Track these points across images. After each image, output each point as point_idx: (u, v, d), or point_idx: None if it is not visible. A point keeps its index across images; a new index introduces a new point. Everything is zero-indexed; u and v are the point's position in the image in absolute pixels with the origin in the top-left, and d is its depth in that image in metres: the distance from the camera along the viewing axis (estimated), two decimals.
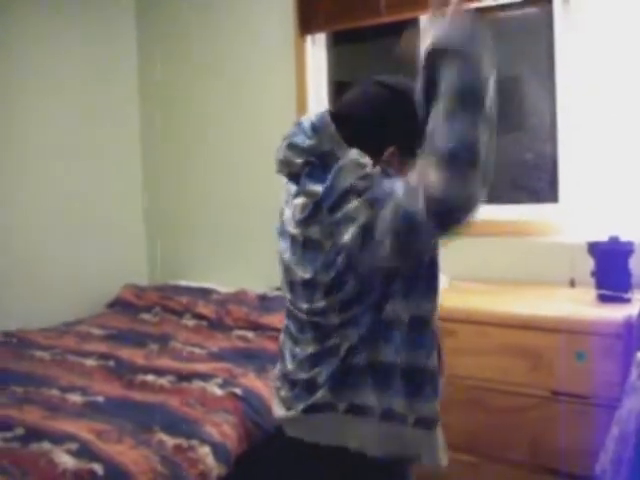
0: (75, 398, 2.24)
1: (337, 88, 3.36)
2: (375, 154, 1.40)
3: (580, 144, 2.62)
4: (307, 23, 3.22)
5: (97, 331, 3.12)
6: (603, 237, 2.32)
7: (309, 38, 3.28)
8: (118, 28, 3.87)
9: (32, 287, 3.39)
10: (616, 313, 2.06)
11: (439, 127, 1.19)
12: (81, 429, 1.94)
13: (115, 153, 3.87)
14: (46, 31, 3.48)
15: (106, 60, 3.78)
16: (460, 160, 1.16)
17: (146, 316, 3.33)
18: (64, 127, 3.57)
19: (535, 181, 2.97)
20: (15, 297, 3.31)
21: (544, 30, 2.76)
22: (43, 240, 3.47)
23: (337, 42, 3.38)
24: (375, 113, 1.45)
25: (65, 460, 1.76)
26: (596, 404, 2.03)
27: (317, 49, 3.33)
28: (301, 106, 3.29)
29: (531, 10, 2.81)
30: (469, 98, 1.18)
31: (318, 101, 3.33)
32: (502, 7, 2.79)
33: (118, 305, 3.56)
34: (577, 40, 2.58)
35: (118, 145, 3.89)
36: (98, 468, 1.76)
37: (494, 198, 2.93)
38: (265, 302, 3.15)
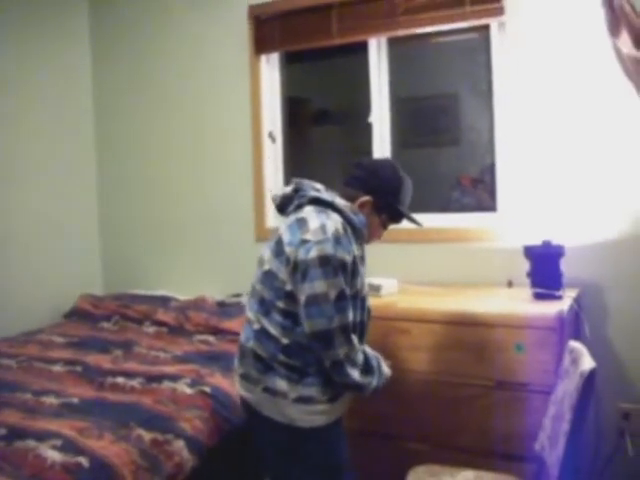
0: (50, 400, 2.31)
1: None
2: (353, 197, 1.93)
3: (516, 157, 2.85)
4: (262, 43, 3.37)
5: (59, 339, 3.15)
6: (537, 241, 2.55)
7: (263, 57, 3.44)
8: (73, 47, 3.90)
9: None
10: (550, 309, 2.28)
11: None
12: (62, 427, 2.03)
13: (70, 163, 3.87)
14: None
15: (63, 77, 3.81)
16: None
17: (106, 324, 3.37)
18: (19, 137, 3.58)
19: (477, 192, 3.21)
20: None
21: (483, 53, 3.01)
22: None
23: (290, 61, 3.54)
24: (376, 167, 2.01)
25: (52, 454, 1.86)
26: (534, 390, 2.24)
27: (271, 68, 3.48)
28: (256, 121, 3.44)
29: (470, 35, 3.07)
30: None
31: (272, 117, 3.50)
32: (444, 33, 3.04)
33: (75, 315, 3.58)
34: (512, 62, 2.83)
35: (73, 154, 3.89)
36: (84, 461, 1.87)
37: (437, 208, 3.15)
38: (224, 308, 3.25)
